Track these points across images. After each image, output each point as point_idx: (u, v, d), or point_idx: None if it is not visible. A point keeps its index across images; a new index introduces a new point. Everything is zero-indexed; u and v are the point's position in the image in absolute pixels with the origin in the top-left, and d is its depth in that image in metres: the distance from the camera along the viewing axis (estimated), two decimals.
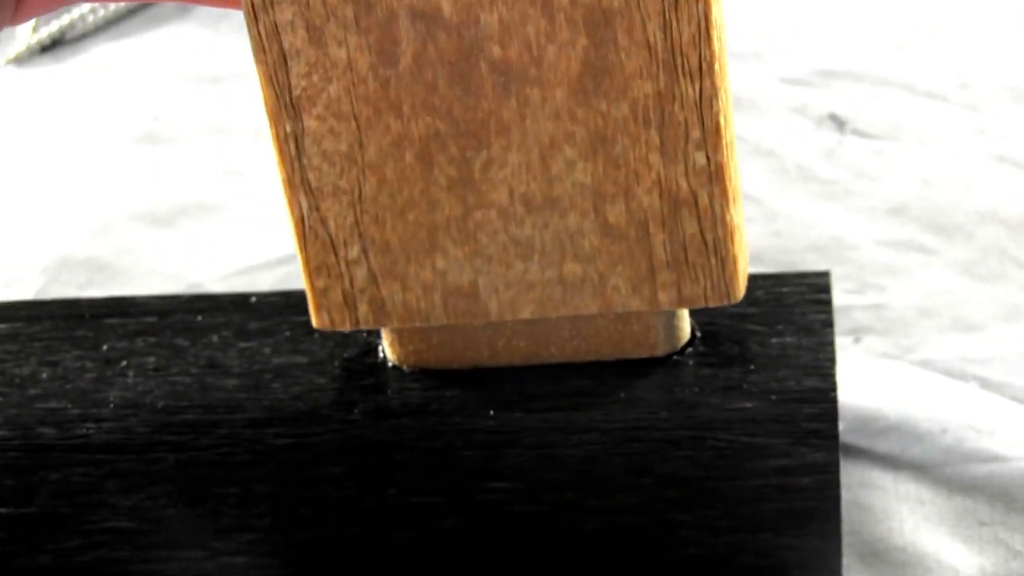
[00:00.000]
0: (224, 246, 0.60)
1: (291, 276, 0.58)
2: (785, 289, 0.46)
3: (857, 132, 0.62)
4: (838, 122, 0.63)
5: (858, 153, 0.61)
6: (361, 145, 0.40)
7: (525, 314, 0.42)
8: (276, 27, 0.39)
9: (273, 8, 0.39)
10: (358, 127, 0.40)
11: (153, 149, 0.67)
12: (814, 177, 0.60)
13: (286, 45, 0.39)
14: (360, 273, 0.42)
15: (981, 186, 0.59)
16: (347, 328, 0.43)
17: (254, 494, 0.43)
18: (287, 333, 0.47)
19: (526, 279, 0.42)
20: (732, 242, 0.41)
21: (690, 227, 0.40)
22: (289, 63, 0.39)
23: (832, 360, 0.43)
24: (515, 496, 0.43)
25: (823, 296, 0.45)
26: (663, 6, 0.38)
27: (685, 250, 0.41)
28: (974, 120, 0.63)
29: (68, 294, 0.58)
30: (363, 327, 0.43)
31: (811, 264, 0.56)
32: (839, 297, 0.54)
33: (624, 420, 0.43)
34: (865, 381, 0.50)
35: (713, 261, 0.41)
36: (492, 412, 0.44)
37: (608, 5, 0.38)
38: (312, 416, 0.44)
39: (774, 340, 0.44)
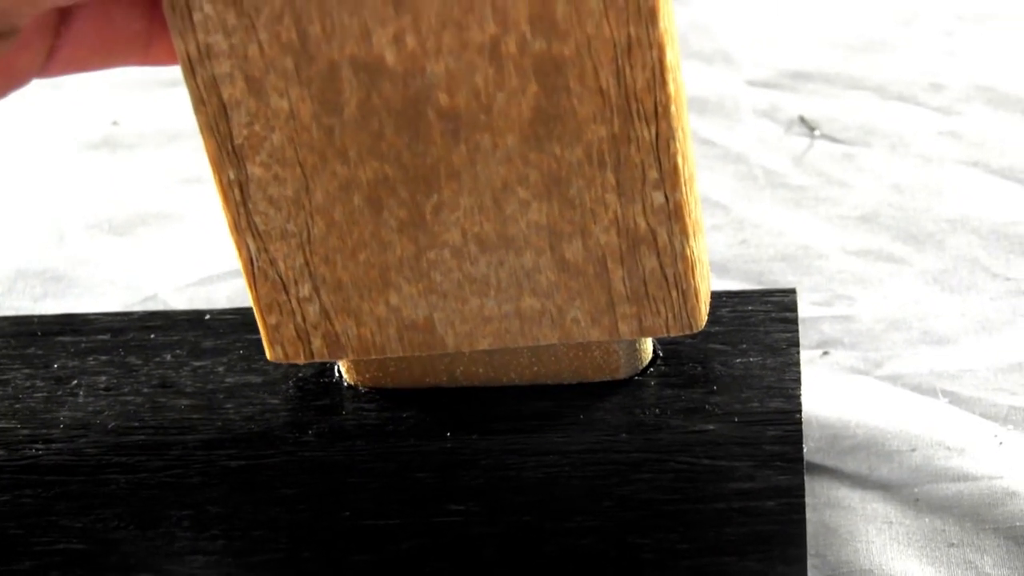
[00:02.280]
0: (182, 256, 0.59)
1: None
2: (750, 307, 0.45)
3: (827, 136, 0.61)
4: (808, 126, 0.62)
5: (828, 158, 0.60)
6: (308, 190, 0.40)
7: (483, 346, 0.42)
8: (215, 79, 0.39)
9: (210, 61, 0.38)
10: (304, 173, 0.40)
11: (111, 156, 0.66)
12: (783, 183, 0.59)
13: (225, 96, 0.39)
14: (312, 310, 0.42)
15: (953, 192, 0.58)
16: (301, 361, 0.43)
17: (207, 516, 0.43)
18: (241, 351, 0.46)
19: (483, 313, 0.42)
20: (693, 275, 0.40)
21: (649, 262, 0.40)
22: (229, 113, 0.39)
23: (797, 381, 0.42)
24: (472, 519, 0.42)
25: (789, 315, 0.45)
26: (615, 53, 0.38)
27: (645, 284, 0.41)
28: (946, 123, 0.62)
29: (23, 306, 0.57)
30: (318, 360, 0.43)
31: (779, 274, 0.55)
32: (807, 309, 0.53)
33: (583, 443, 0.42)
34: (833, 397, 0.49)
35: (674, 294, 0.41)
36: (449, 434, 0.43)
37: (559, 53, 0.38)
38: (265, 437, 0.44)
39: (738, 360, 0.43)
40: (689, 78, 0.63)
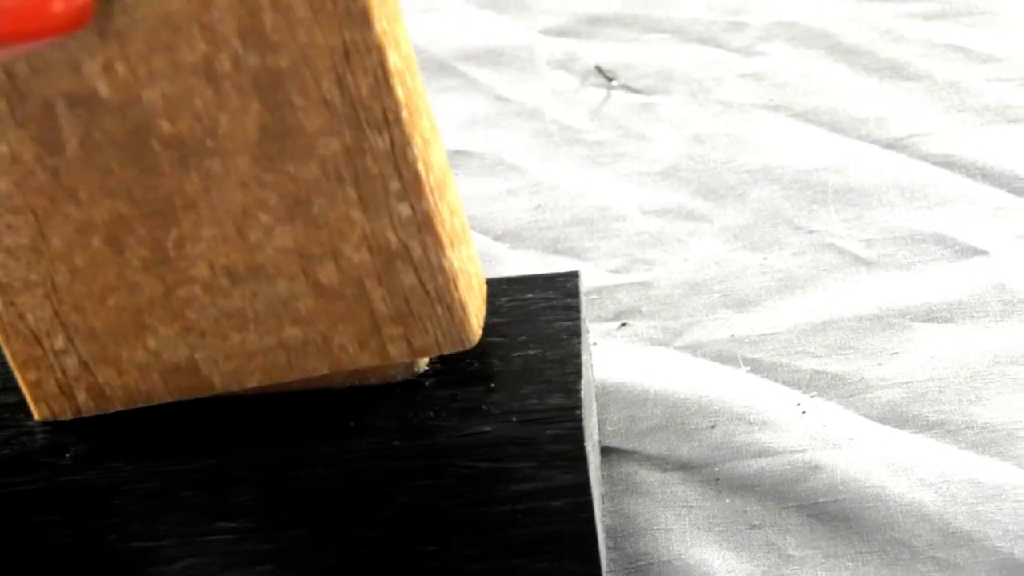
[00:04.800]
0: None
1: None
2: (530, 295, 0.42)
3: (624, 86, 0.59)
4: (605, 75, 0.59)
5: (626, 109, 0.58)
6: (44, 236, 0.38)
7: (252, 383, 0.40)
8: None
9: None
10: (37, 219, 0.38)
11: None
12: (580, 139, 0.57)
13: None
14: (71, 362, 0.40)
15: (755, 140, 0.56)
16: (69, 417, 0.41)
17: None
18: None
19: (245, 349, 0.40)
20: (456, 288, 0.39)
21: (408, 278, 0.38)
22: None
23: (578, 374, 0.40)
24: (245, 535, 0.40)
25: (571, 300, 0.42)
26: (334, 61, 0.36)
27: (407, 302, 0.39)
28: (747, 65, 0.59)
29: None
30: (86, 414, 0.41)
31: (575, 240, 0.52)
32: (604, 277, 0.51)
33: (356, 451, 0.40)
34: (631, 373, 0.47)
35: (439, 309, 0.39)
36: (214, 450, 0.40)
37: (275, 66, 0.36)
38: (21, 463, 0.41)
39: (516, 354, 0.41)
40: (482, 29, 0.60)
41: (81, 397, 0.41)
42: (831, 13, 0.61)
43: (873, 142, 0.55)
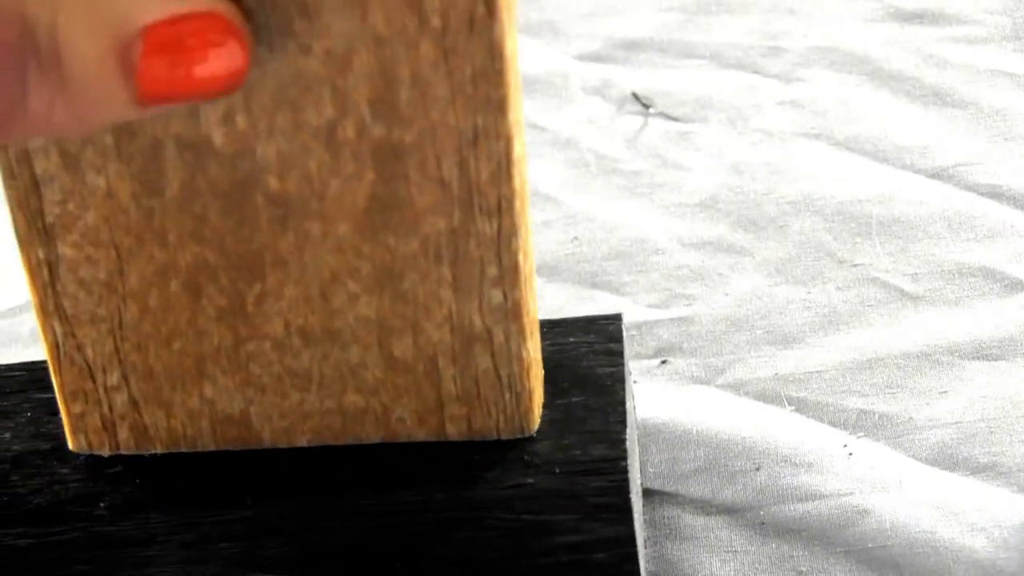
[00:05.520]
0: None
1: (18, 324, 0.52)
2: (572, 339, 0.41)
3: (662, 113, 0.58)
4: (641, 103, 0.58)
5: (663, 138, 0.56)
6: (122, 273, 0.38)
7: (301, 442, 0.40)
8: (27, 152, 0.36)
9: None
10: (118, 256, 0.38)
11: None
12: (616, 169, 0.55)
13: (38, 171, 0.37)
14: (120, 399, 0.40)
15: (795, 170, 0.54)
16: (106, 453, 0.41)
17: None
18: (29, 414, 0.43)
19: (303, 409, 0.39)
20: (528, 377, 0.38)
21: (483, 362, 0.38)
22: (42, 189, 0.37)
23: (623, 423, 0.39)
24: None
25: (614, 346, 0.41)
26: (460, 144, 0.35)
27: (477, 384, 0.38)
28: (787, 92, 0.58)
29: None
30: (124, 452, 0.40)
31: (612, 274, 0.51)
32: (643, 313, 0.49)
33: (394, 503, 0.39)
34: (672, 412, 0.46)
35: (507, 395, 0.38)
36: (250, 501, 0.39)
37: (400, 141, 0.35)
38: (55, 512, 0.40)
39: (559, 401, 0.40)
40: None
41: (123, 435, 0.40)
42: (872, 37, 0.60)
43: (918, 172, 0.54)
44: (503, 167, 0.35)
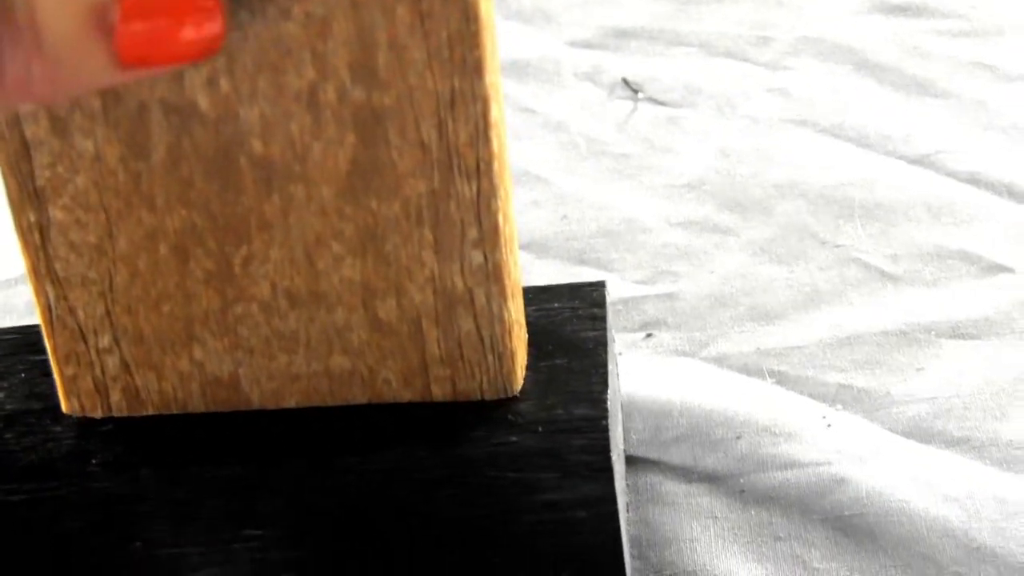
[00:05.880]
0: None
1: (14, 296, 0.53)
2: (557, 304, 0.42)
3: (651, 99, 0.59)
4: (631, 88, 0.59)
5: (652, 122, 0.58)
6: (111, 236, 0.39)
7: (290, 403, 0.41)
8: (17, 116, 0.37)
9: None
10: (108, 219, 0.38)
11: None
12: (606, 152, 0.57)
13: (28, 135, 0.37)
14: (112, 361, 0.40)
15: (781, 155, 0.56)
16: (99, 415, 0.41)
17: None
18: (23, 375, 0.43)
19: (290, 371, 0.40)
20: (510, 338, 0.39)
21: (466, 324, 0.39)
22: (32, 153, 0.38)
23: (604, 384, 0.40)
24: (271, 543, 0.40)
25: (597, 311, 0.42)
26: (438, 106, 0.36)
27: (460, 346, 0.39)
28: (774, 80, 0.59)
29: None
30: (116, 414, 0.41)
31: (601, 251, 0.52)
32: (630, 289, 0.51)
33: (380, 462, 0.40)
34: (656, 383, 0.47)
35: (490, 358, 0.39)
36: (240, 459, 0.40)
37: (379, 104, 0.36)
38: (47, 469, 0.41)
39: (542, 364, 0.41)
40: (508, 40, 0.61)
41: (115, 397, 0.41)
42: (858, 29, 0.61)
43: (900, 158, 0.55)
44: (481, 129, 0.36)
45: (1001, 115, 0.57)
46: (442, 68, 0.36)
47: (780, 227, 0.53)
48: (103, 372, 0.41)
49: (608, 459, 0.39)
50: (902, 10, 0.62)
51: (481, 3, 0.35)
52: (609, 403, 0.40)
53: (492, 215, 0.37)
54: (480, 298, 0.39)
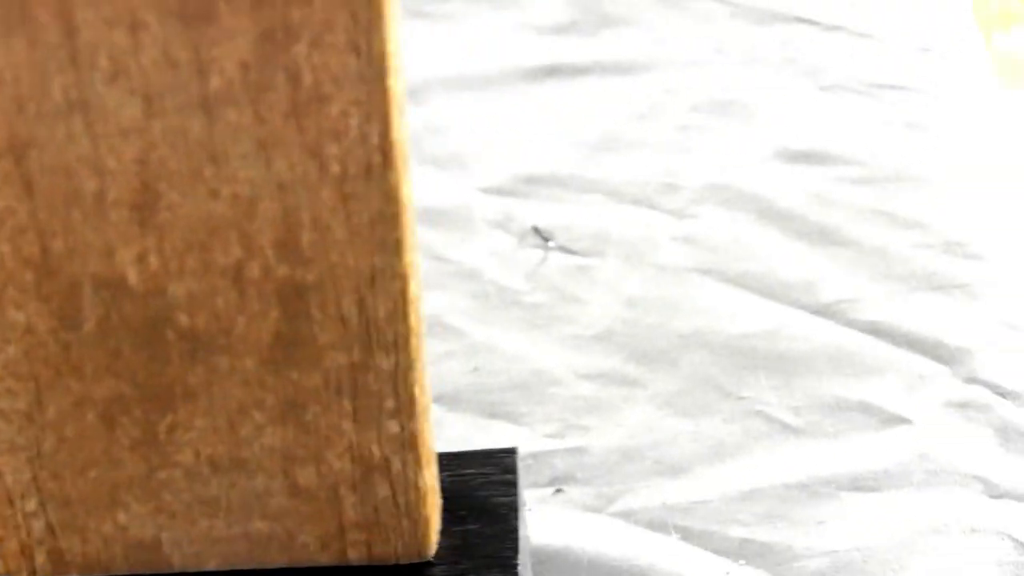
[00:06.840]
0: None
1: None
2: (470, 470, 0.44)
3: (561, 247, 0.60)
4: (542, 236, 0.61)
5: (562, 271, 0.59)
6: (40, 404, 0.39)
7: (211, 566, 0.41)
8: None
9: None
10: (37, 387, 0.39)
11: None
12: (517, 302, 0.58)
13: None
14: (38, 525, 0.41)
15: (687, 304, 0.57)
16: None
17: None
18: None
19: (212, 535, 0.41)
20: (424, 504, 0.40)
21: (382, 490, 0.40)
22: None
23: (515, 549, 0.41)
24: None
25: (509, 477, 0.43)
26: (359, 283, 0.37)
27: (377, 512, 0.40)
28: (680, 228, 0.61)
29: None
30: None
31: (511, 404, 0.54)
32: (540, 443, 0.52)
33: None
34: (566, 539, 0.48)
35: (405, 523, 0.40)
36: None
37: (302, 280, 0.37)
38: None
39: (456, 528, 0.42)
40: (422, 186, 0.62)
41: (40, 560, 0.41)
42: (762, 176, 0.63)
43: (802, 308, 0.57)
44: (399, 306, 0.38)
45: (900, 264, 0.58)
46: (363, 247, 0.37)
47: (685, 379, 0.54)
48: (28, 535, 0.41)
49: None
50: (805, 157, 0.64)
51: (402, 186, 0.37)
52: (520, 568, 0.41)
53: (409, 387, 0.39)
54: (396, 465, 0.40)
